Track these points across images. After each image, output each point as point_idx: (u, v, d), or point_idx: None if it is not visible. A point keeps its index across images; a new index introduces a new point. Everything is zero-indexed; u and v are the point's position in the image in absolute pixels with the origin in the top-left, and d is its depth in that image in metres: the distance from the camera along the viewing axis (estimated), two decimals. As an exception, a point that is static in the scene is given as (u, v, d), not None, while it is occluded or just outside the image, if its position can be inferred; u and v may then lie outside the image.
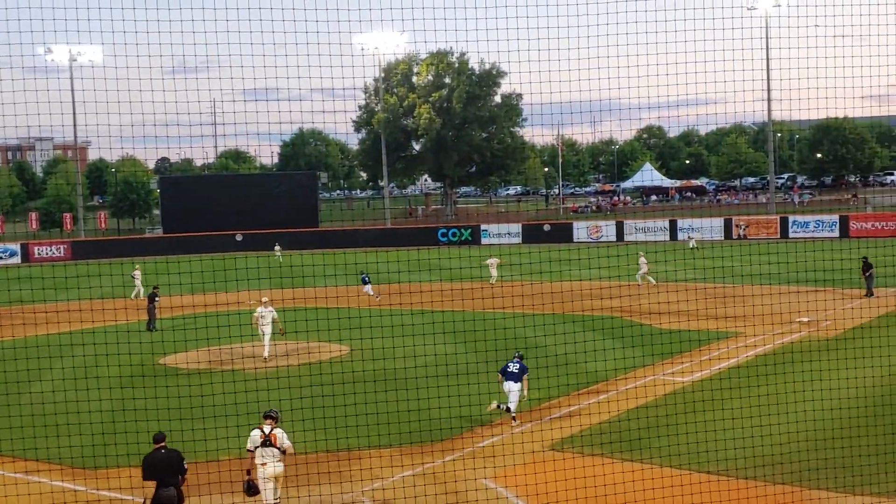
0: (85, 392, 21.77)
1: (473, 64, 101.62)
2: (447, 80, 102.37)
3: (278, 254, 67.09)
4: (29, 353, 24.00)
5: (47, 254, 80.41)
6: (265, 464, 14.62)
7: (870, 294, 37.70)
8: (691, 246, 64.09)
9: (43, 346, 30.19)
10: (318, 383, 21.92)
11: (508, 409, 20.36)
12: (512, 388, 20.33)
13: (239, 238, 79.09)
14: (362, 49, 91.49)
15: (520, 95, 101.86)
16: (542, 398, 22.10)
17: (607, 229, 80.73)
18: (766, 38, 73.91)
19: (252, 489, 14.59)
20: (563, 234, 79.91)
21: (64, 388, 22.41)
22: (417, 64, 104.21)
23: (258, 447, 14.61)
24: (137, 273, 48.40)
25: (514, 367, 20.70)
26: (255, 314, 28.54)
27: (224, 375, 22.74)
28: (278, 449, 14.61)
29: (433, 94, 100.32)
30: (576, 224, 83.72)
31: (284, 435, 14.85)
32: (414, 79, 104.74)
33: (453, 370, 23.32)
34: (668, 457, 17.17)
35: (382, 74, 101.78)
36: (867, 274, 38.06)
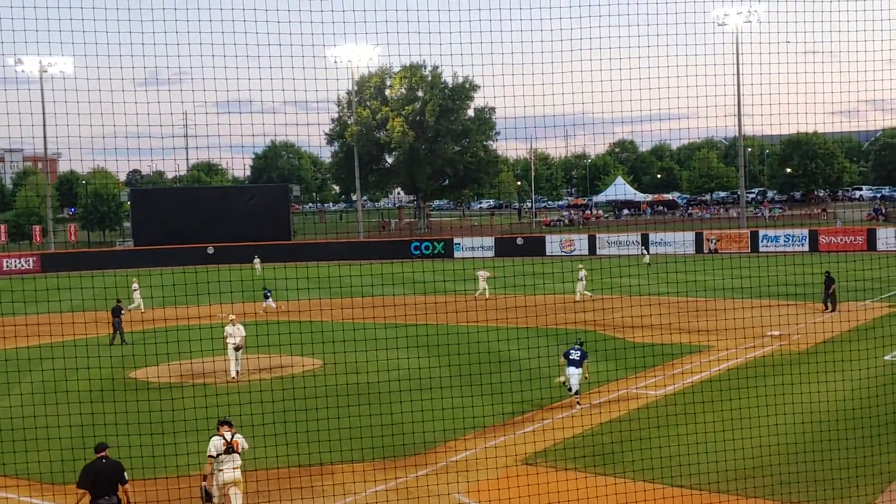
0: (54, 406, 21.51)
1: (446, 77, 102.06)
2: (420, 94, 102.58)
3: (258, 266, 66.68)
4: (-4, 368, 23.72)
5: (16, 266, 79.48)
6: (223, 470, 14.79)
7: (833, 310, 37.75)
8: (646, 262, 64.64)
9: (11, 359, 29.80)
10: (291, 397, 21.83)
11: (570, 390, 22.70)
12: (573, 373, 22.63)
13: (210, 251, 78.59)
14: (335, 62, 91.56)
15: (493, 109, 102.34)
16: (514, 412, 22.08)
17: (580, 243, 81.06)
18: (737, 53, 74.70)
19: (209, 496, 14.78)
20: (536, 247, 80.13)
21: (33, 403, 22.14)
22: (390, 77, 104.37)
23: (221, 454, 14.77)
24: (136, 286, 47.64)
25: (575, 355, 22.80)
26: (224, 333, 27.76)
27: (195, 389, 22.52)
28: (239, 455, 14.90)
29: (406, 108, 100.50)
30: (549, 238, 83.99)
31: (244, 440, 15.31)
32: (387, 92, 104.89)
33: (426, 384, 23.28)
34: (641, 471, 17.21)
35: (355, 87, 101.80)
36: (830, 290, 38.00)
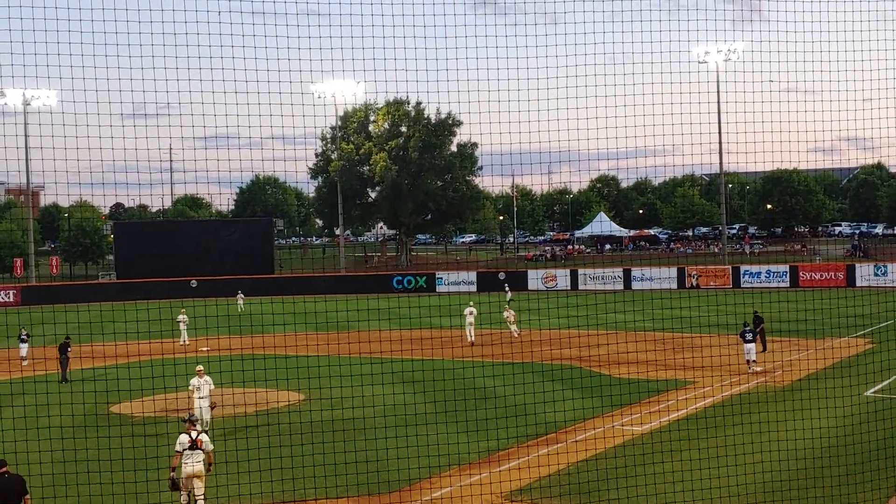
0: (35, 442, 21.33)
1: (430, 113, 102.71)
2: (403, 129, 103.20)
3: (240, 302, 66.45)
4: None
5: (-4, 299, 78.98)
6: (187, 463, 16.80)
7: (764, 349, 37.46)
8: (508, 297, 65.02)
9: (-9, 394, 29.58)
10: (274, 433, 21.77)
11: (748, 362, 32.12)
12: (751, 349, 32.25)
13: (194, 284, 78.36)
14: (319, 97, 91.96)
15: (475, 144, 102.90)
16: (497, 448, 22.10)
17: (562, 278, 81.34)
18: (718, 91, 75.66)
19: (175, 486, 16.83)
20: (518, 282, 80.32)
21: (14, 439, 21.92)
22: (374, 112, 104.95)
23: (186, 449, 16.81)
24: (183, 317, 46.48)
25: (747, 335, 32.19)
26: (190, 387, 24.19)
27: (179, 424, 22.39)
28: (202, 451, 16.87)
29: (389, 143, 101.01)
30: (531, 272, 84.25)
31: (208, 439, 17.40)
32: (371, 127, 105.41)
33: (409, 419, 23.29)
34: (624, 508, 17.24)
35: (339, 122, 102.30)
36: (759, 328, 37.59)
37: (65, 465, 20.65)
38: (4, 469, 14.72)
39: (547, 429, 24.09)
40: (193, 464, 16.77)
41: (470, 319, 43.99)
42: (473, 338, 43.18)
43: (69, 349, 35.38)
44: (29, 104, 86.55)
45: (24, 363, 37.55)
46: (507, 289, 71.16)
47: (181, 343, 45.21)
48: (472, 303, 46.05)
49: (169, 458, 17.62)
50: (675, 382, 31.11)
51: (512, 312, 46.50)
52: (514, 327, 45.70)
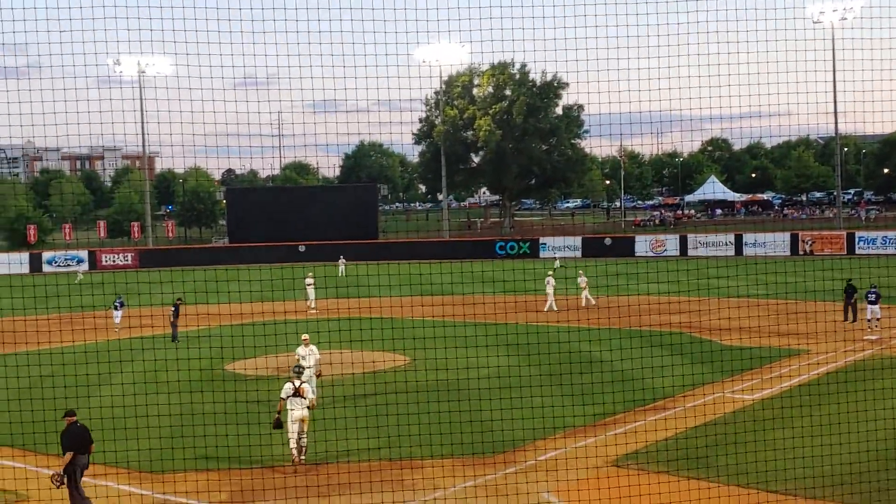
0: (154, 396, 22.21)
1: (534, 75, 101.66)
2: (508, 92, 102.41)
3: (342, 266, 67.52)
4: (98, 358, 24.52)
5: (115, 262, 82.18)
6: (293, 409, 18.34)
7: (854, 319, 36.10)
8: (556, 265, 63.58)
9: (114, 350, 30.81)
10: (381, 391, 22.10)
11: (868, 322, 33.31)
12: (875, 311, 33.38)
13: (302, 249, 79.96)
14: (423, 62, 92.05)
15: (581, 107, 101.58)
16: (603, 413, 21.94)
17: (670, 243, 79.93)
18: (833, 52, 72.60)
19: (278, 424, 18.52)
20: (624, 247, 79.28)
21: (134, 392, 22.87)
22: (478, 76, 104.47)
23: (290, 396, 18.41)
24: (311, 280, 46.82)
25: (872, 297, 33.44)
26: (296, 356, 23.99)
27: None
28: (304, 399, 18.40)
29: (493, 107, 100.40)
30: (638, 238, 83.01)
31: (310, 388, 19.08)
32: (474, 91, 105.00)
33: (515, 382, 23.31)
34: (733, 475, 16.92)
35: (443, 87, 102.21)
36: (853, 299, 36.39)
37: (182, 418, 21.45)
38: (75, 418, 16.11)
39: (655, 395, 23.77)
40: (299, 409, 18.34)
41: (549, 290, 43.28)
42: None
43: (181, 310, 36.35)
44: (143, 72, 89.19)
45: (118, 329, 38.79)
46: (556, 256, 70.34)
47: (309, 305, 45.58)
48: (552, 271, 45.97)
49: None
50: (787, 350, 30.28)
51: (584, 279, 45.40)
52: (585, 293, 44.86)
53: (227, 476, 17.78)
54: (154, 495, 17.03)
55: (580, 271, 46.75)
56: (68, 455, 15.66)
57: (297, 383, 18.73)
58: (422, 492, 16.79)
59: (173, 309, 36.25)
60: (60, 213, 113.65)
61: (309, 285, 46.41)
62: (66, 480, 15.60)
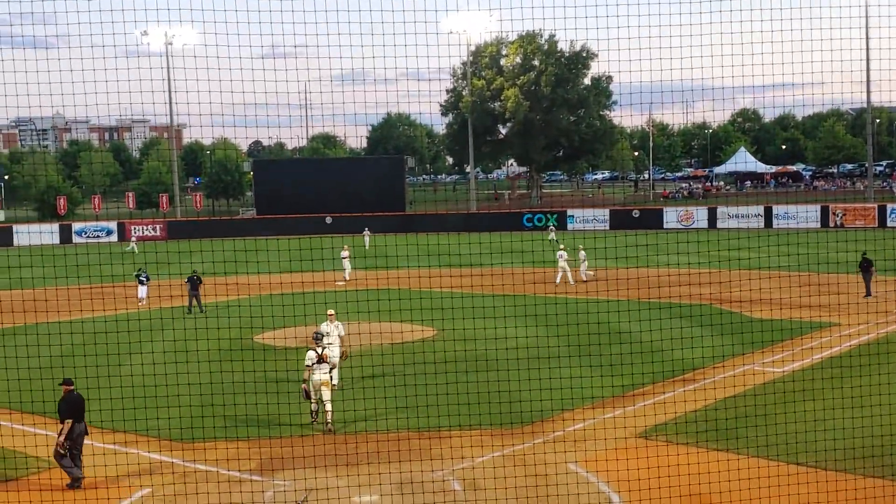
0: (184, 365, 22.41)
1: (563, 45, 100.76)
2: (536, 63, 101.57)
3: (367, 238, 67.61)
4: (129, 327, 24.82)
5: (143, 233, 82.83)
6: (316, 374, 19.22)
7: (868, 294, 35.36)
8: (551, 237, 62.85)
9: (145, 319, 31.14)
10: (409, 362, 22.20)
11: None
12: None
13: (329, 221, 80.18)
14: (451, 31, 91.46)
15: (609, 77, 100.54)
16: (632, 385, 21.91)
17: (699, 215, 79.36)
18: (867, 20, 71.37)
19: (307, 395, 19.27)
20: (652, 220, 78.83)
21: (164, 361, 23.11)
22: (506, 46, 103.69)
23: (314, 363, 19.27)
24: (346, 253, 46.75)
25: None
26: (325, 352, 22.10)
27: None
28: (328, 364, 19.46)
29: (521, 77, 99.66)
30: (666, 210, 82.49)
31: (332, 354, 20.18)
32: (502, 61, 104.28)
33: (542, 353, 23.31)
34: (761, 447, 16.87)
35: (470, 57, 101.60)
36: (870, 273, 35.43)
37: (211, 387, 21.63)
38: (72, 387, 16.61)
39: (684, 366, 23.70)
40: (321, 374, 19.26)
41: (562, 264, 42.50)
42: (572, 280, 42.05)
43: (200, 283, 36.13)
44: (170, 43, 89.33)
45: (142, 303, 38.84)
46: (551, 227, 69.52)
47: (344, 277, 45.44)
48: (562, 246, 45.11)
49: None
50: (817, 323, 30.05)
51: (583, 252, 43.42)
52: (583, 267, 43.13)
53: (257, 445, 17.97)
54: (184, 464, 17.25)
55: (579, 245, 45.63)
56: (67, 423, 16.02)
57: (320, 350, 19.52)
58: (449, 461, 16.89)
59: (188, 282, 36.08)
60: (90, 185, 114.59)
61: (344, 258, 46.32)
62: (66, 446, 15.96)
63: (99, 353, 21.20)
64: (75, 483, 15.85)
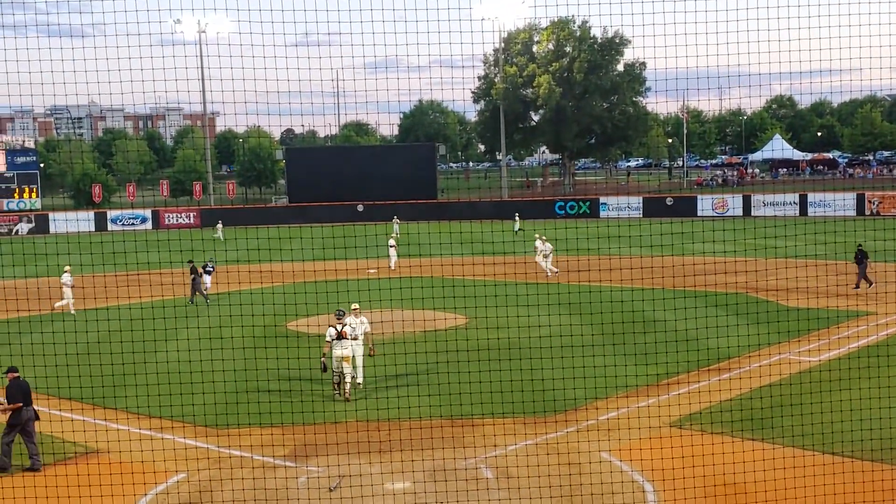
0: (219, 352, 22.59)
1: (596, 31, 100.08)
2: (568, 49, 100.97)
3: (395, 225, 67.62)
4: (165, 314, 25.06)
5: (177, 221, 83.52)
6: (337, 350, 20.20)
7: (857, 286, 34.56)
8: (516, 228, 61.91)
9: (180, 306, 31.40)
10: (442, 349, 22.23)
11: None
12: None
13: (360, 209, 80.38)
14: (483, 18, 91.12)
15: (643, 64, 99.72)
16: (665, 374, 21.79)
17: (734, 203, 78.66)
18: (908, 3, 70.16)
19: (325, 368, 20.35)
20: (686, 207, 78.22)
21: (199, 348, 23.27)
22: (538, 33, 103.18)
23: (334, 339, 20.24)
24: (392, 241, 46.44)
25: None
26: (344, 328, 21.33)
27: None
28: (348, 339, 20.32)
29: (553, 64, 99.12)
30: (700, 197, 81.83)
31: (352, 330, 20.71)
32: (534, 48, 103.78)
33: (577, 341, 23.20)
34: (797, 436, 16.72)
35: (502, 44, 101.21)
36: (862, 264, 34.69)
37: (246, 374, 21.81)
38: (17, 374, 17.06)
39: (718, 355, 23.53)
40: (341, 350, 20.23)
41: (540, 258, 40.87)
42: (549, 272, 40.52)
43: (201, 273, 35.91)
44: (204, 31, 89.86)
45: (207, 288, 38.66)
46: (516, 217, 68.38)
47: (391, 266, 45.02)
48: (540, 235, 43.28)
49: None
50: (854, 312, 29.71)
51: (547, 245, 41.32)
52: (548, 263, 40.94)
53: (290, 431, 18.09)
54: (219, 449, 17.40)
55: (540, 235, 42.98)
56: (15, 404, 16.52)
57: (340, 327, 20.52)
58: (481, 449, 16.92)
59: (191, 272, 35.78)
60: (124, 173, 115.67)
61: (392, 246, 45.61)
62: (9, 432, 16.43)
63: (135, 340, 21.42)
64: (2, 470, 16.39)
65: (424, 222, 69.51)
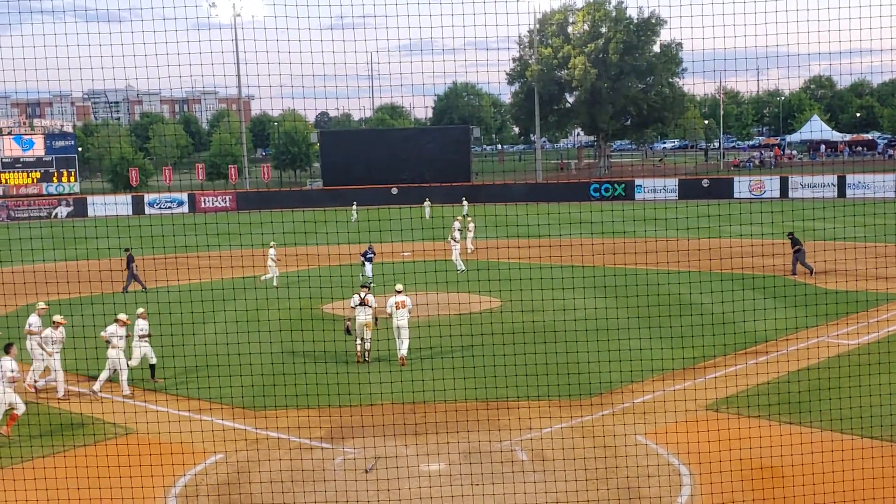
0: (256, 334, 22.83)
1: (631, 12, 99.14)
2: (603, 30, 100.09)
3: (427, 210, 67.51)
4: (202, 297, 25.23)
5: (213, 204, 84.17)
6: (358, 316, 21.88)
7: (794, 273, 33.95)
8: (464, 212, 60.35)
9: (217, 289, 31.56)
10: (477, 332, 22.29)
11: None
12: None
13: (394, 192, 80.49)
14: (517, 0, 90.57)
15: (679, 44, 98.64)
16: (701, 357, 21.68)
17: (771, 185, 77.76)
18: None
19: (348, 331, 22.24)
20: (723, 189, 77.45)
21: (236, 331, 23.55)
22: (573, 13, 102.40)
23: (357, 305, 21.92)
24: (457, 224, 43.03)
25: None
26: (387, 309, 22.70)
27: (382, 322, 23.36)
28: (370, 307, 21.91)
29: (589, 45, 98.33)
30: (737, 179, 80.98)
31: (373, 299, 22.30)
32: (569, 29, 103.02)
33: (612, 324, 23.17)
34: (835, 420, 16.57)
35: (537, 25, 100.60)
36: (795, 249, 34.01)
37: (282, 356, 22.01)
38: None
39: (756, 338, 23.36)
40: (364, 316, 21.88)
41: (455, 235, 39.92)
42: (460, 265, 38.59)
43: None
44: (239, 15, 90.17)
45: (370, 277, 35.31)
46: (464, 201, 67.25)
47: (469, 250, 43.68)
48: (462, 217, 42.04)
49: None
50: (893, 295, 29.33)
51: (461, 236, 40.58)
52: (459, 261, 38.72)
53: (326, 413, 18.23)
54: (256, 431, 17.60)
55: (466, 217, 41.55)
56: None
57: (363, 294, 22.16)
58: (516, 431, 16.96)
59: (128, 261, 35.47)
60: (161, 157, 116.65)
61: (457, 230, 42.09)
62: None
63: (174, 322, 21.68)
64: None
65: (459, 205, 69.51)
